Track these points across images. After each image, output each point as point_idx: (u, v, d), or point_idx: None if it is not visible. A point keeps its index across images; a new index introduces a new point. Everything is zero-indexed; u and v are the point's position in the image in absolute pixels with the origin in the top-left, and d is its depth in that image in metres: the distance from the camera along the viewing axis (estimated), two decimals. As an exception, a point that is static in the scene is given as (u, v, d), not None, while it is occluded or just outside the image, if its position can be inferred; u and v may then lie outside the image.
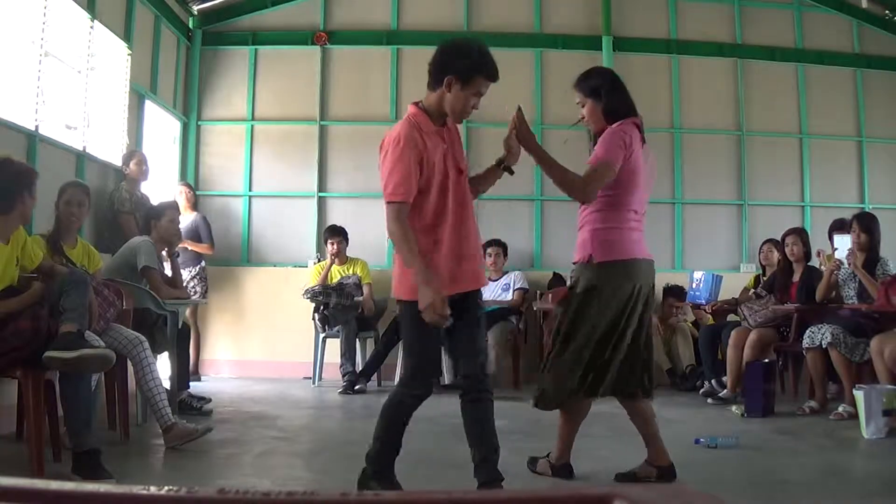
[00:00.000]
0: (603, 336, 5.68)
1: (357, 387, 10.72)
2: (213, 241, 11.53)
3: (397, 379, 11.42)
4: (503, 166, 5.62)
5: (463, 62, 5.19)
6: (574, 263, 5.94)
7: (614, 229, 5.75)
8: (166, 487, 1.00)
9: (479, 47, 5.30)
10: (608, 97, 5.86)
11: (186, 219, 11.02)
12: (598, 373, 5.72)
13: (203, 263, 11.45)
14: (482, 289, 9.94)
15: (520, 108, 5.56)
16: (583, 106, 5.95)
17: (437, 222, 5.20)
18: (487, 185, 5.70)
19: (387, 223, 5.08)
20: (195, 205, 11.70)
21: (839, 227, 9.86)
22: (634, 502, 0.99)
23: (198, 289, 11.16)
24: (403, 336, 5.57)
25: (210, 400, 8.95)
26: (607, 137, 5.70)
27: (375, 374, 11.36)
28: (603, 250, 5.70)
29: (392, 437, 5.36)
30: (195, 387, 9.62)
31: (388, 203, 5.05)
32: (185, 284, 10.82)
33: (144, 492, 1.00)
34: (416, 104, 5.34)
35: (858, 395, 7.83)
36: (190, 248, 11.07)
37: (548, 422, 6.51)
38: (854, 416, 8.14)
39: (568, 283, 6.12)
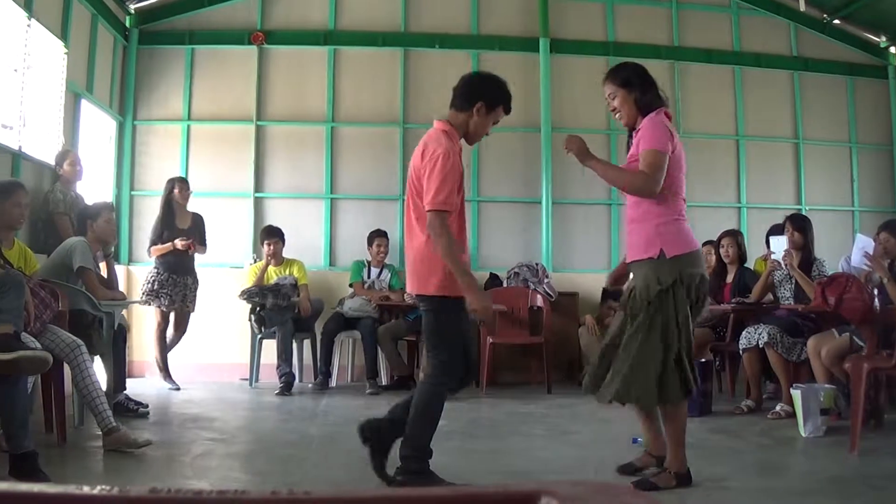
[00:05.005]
0: (687, 330, 5.76)
1: (324, 387, 11.21)
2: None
3: (349, 377, 11.62)
4: None
5: (492, 92, 5.96)
6: (633, 262, 6.00)
7: (678, 220, 5.87)
8: (99, 487, 1.03)
9: (503, 82, 6.07)
10: (641, 87, 6.00)
11: (186, 218, 11.18)
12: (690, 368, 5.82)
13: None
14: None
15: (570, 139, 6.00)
16: (613, 98, 6.09)
17: (460, 231, 5.79)
18: None
19: (431, 229, 5.56)
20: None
21: (777, 232, 9.98)
22: (562, 499, 1.03)
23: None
24: (433, 331, 5.90)
25: (147, 406, 8.94)
26: (651, 126, 5.85)
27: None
28: (674, 244, 5.79)
29: (430, 433, 5.76)
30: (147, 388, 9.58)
31: (434, 211, 5.54)
32: (188, 293, 10.96)
33: (78, 491, 1.04)
34: (444, 122, 5.92)
35: (796, 394, 8.06)
36: (195, 252, 11.14)
37: (487, 421, 6.57)
38: (791, 414, 8.39)
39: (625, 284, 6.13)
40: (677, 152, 5.84)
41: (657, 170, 5.68)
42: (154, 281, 11.05)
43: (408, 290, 6.30)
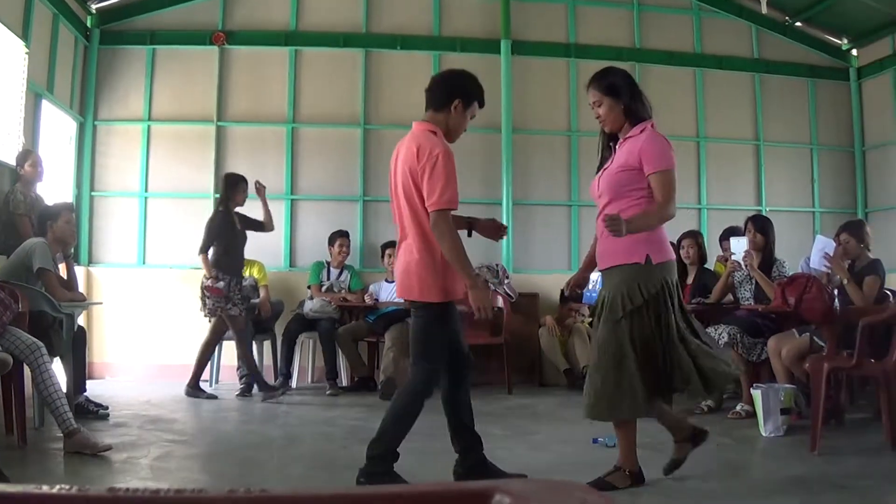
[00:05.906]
0: (671, 335, 5.71)
1: (282, 392, 10.82)
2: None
3: (309, 380, 11.63)
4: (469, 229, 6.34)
5: (467, 88, 6.05)
6: (609, 268, 5.94)
7: (661, 229, 5.88)
8: (58, 486, 1.04)
9: (474, 77, 6.16)
10: (630, 95, 6.00)
11: (236, 219, 11.00)
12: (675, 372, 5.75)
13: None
14: (382, 290, 10.25)
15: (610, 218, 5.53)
16: (598, 105, 6.07)
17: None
18: None
19: (436, 228, 5.63)
20: None
21: (732, 233, 10.08)
22: (515, 496, 1.04)
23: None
24: (426, 339, 5.96)
25: (108, 407, 8.93)
26: (654, 142, 5.83)
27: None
28: (658, 251, 5.80)
29: (402, 437, 5.85)
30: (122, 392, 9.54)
31: (440, 210, 5.60)
32: (231, 295, 10.66)
33: (37, 491, 1.05)
34: (426, 123, 5.95)
35: (756, 394, 8.14)
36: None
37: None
38: (752, 414, 8.45)
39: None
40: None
41: (674, 190, 5.73)
42: (223, 287, 10.58)
43: (400, 295, 6.22)
